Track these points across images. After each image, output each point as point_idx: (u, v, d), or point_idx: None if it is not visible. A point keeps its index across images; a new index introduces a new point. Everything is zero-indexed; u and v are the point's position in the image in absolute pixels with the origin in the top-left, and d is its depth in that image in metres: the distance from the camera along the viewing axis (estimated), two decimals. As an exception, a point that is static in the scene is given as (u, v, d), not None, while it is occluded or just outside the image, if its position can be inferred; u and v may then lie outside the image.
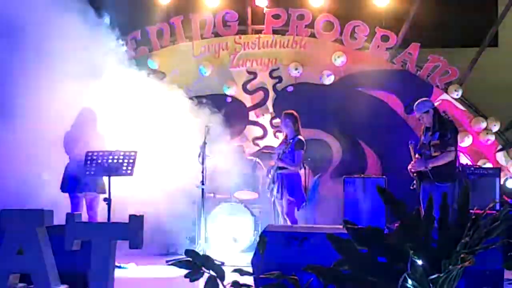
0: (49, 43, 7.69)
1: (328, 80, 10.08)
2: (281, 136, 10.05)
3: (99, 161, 7.08)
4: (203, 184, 8.23)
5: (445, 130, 7.05)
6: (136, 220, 2.97)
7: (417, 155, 7.19)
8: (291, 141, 7.97)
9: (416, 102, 7.34)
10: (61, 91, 7.67)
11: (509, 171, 9.59)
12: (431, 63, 9.90)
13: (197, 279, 2.22)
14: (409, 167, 7.16)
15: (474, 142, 9.74)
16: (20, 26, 7.58)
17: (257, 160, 9.39)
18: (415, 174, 7.13)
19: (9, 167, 7.77)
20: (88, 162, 7.08)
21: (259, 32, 10.40)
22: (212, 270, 2.19)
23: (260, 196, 9.00)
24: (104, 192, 7.41)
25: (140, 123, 8.49)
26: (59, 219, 3.30)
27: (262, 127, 10.34)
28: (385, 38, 9.98)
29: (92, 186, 7.40)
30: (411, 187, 7.15)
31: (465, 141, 9.58)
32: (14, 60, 7.58)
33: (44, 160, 7.88)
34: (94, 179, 7.33)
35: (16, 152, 7.75)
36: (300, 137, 7.97)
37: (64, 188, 7.53)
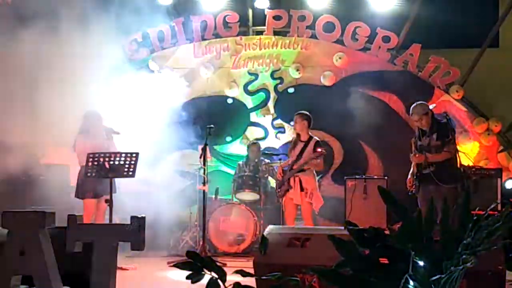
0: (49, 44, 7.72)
1: (329, 81, 10.09)
2: (282, 137, 10.08)
3: (100, 162, 7.09)
4: (204, 185, 8.24)
5: (444, 131, 7.05)
6: (138, 222, 2.97)
7: (412, 157, 7.21)
8: (306, 142, 8.00)
9: (414, 105, 7.31)
10: (63, 92, 7.70)
11: (510, 171, 9.59)
12: (432, 64, 9.90)
13: (199, 280, 2.22)
14: (413, 159, 7.15)
15: (475, 143, 9.74)
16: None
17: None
18: (415, 178, 7.13)
19: None
20: (89, 163, 7.09)
21: (260, 33, 10.41)
22: (214, 272, 2.19)
23: (262, 197, 9.00)
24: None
25: (141, 124, 8.51)
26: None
27: (263, 128, 10.35)
28: (386, 39, 9.98)
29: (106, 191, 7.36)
30: (410, 193, 7.14)
31: (467, 142, 9.58)
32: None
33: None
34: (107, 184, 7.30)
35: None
36: (316, 137, 8.03)
37: (78, 194, 7.56)
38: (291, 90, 10.30)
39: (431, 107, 7.55)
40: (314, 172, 8.08)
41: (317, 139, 8.06)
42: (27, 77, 8.15)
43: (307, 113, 8.10)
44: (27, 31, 7.77)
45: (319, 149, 7.83)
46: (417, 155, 7.08)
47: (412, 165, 7.25)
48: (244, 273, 2.31)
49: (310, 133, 8.07)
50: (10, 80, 7.98)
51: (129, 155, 7.17)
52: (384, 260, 2.07)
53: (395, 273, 2.00)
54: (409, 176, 7.25)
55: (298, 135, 8.11)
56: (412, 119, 7.43)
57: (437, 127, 7.11)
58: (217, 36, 10.39)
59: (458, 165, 7.12)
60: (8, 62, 7.79)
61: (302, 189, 7.86)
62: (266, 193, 9.11)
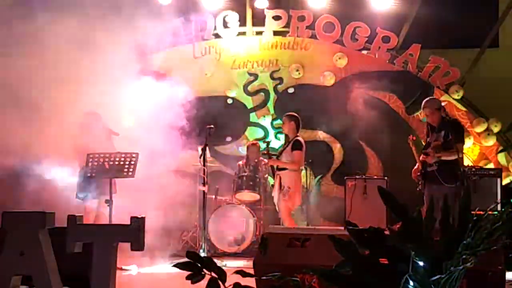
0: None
1: (329, 81, 10.09)
2: (282, 138, 10.09)
3: (100, 162, 7.08)
4: (204, 185, 8.24)
5: (453, 129, 6.99)
6: (138, 222, 2.97)
7: (422, 156, 7.19)
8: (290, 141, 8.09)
9: (427, 99, 7.32)
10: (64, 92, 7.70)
11: (510, 171, 9.59)
12: (432, 64, 9.90)
13: (199, 281, 2.22)
14: (421, 158, 7.13)
15: (475, 143, 9.74)
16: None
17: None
18: (419, 175, 7.14)
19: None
20: (89, 163, 7.08)
21: (260, 33, 10.41)
22: (214, 272, 2.19)
23: (262, 197, 9.00)
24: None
25: (141, 124, 8.50)
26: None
27: (263, 128, 10.35)
28: (386, 39, 9.98)
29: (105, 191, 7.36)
30: (418, 189, 7.15)
31: (466, 142, 9.58)
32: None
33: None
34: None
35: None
36: (298, 137, 8.08)
37: (78, 195, 7.55)
38: (291, 90, 10.30)
39: (443, 103, 7.54)
40: (299, 171, 8.12)
41: (299, 139, 8.11)
42: (28, 76, 8.14)
43: (295, 114, 8.23)
44: (29, 29, 7.76)
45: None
46: (430, 156, 6.99)
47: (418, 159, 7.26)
48: (244, 274, 2.31)
49: (298, 134, 8.16)
50: (12, 79, 7.96)
51: (129, 155, 7.17)
52: (384, 260, 2.07)
53: (395, 273, 2.00)
54: (416, 167, 7.22)
55: (286, 136, 8.21)
56: (423, 112, 7.40)
57: (446, 124, 7.05)
58: (217, 36, 10.39)
59: (460, 165, 7.10)
60: (10, 60, 7.78)
61: (280, 187, 7.94)
62: (266, 193, 9.11)
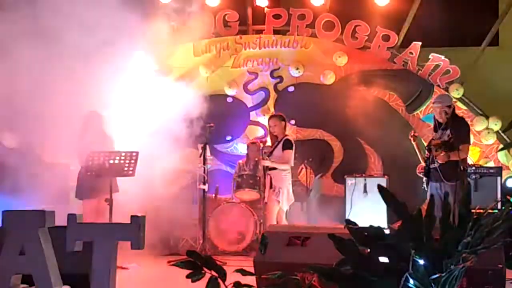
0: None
1: (329, 80, 10.08)
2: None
3: (100, 161, 7.07)
4: (204, 184, 8.24)
5: (459, 128, 6.95)
6: (138, 221, 2.97)
7: (427, 153, 7.18)
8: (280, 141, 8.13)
9: (439, 95, 7.33)
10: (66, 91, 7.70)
11: (510, 170, 9.59)
12: (432, 63, 9.89)
13: (199, 279, 2.23)
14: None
15: (475, 142, 9.73)
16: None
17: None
18: (422, 172, 7.15)
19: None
20: (89, 162, 7.08)
21: (260, 32, 10.40)
22: (214, 271, 2.19)
23: (262, 196, 9.00)
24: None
25: (141, 123, 8.50)
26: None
27: (263, 127, 10.34)
28: (386, 38, 9.98)
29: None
30: (423, 187, 7.16)
31: (467, 141, 9.57)
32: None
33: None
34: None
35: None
36: (288, 137, 8.12)
37: (78, 194, 7.54)
38: (291, 89, 10.30)
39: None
40: (289, 170, 8.13)
41: (289, 138, 8.19)
42: (31, 74, 8.14)
43: (282, 114, 8.37)
44: (33, 26, 7.75)
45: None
46: (442, 154, 6.94)
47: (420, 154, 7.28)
48: (244, 272, 2.31)
49: (287, 134, 8.30)
50: (15, 76, 7.96)
51: (129, 154, 7.16)
52: (384, 259, 2.07)
53: (395, 272, 2.00)
54: (422, 163, 7.27)
55: (276, 136, 8.22)
56: (433, 107, 7.39)
57: (454, 123, 7.00)
58: (217, 35, 10.38)
59: (463, 164, 7.08)
60: (13, 59, 7.78)
61: (271, 187, 7.98)
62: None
